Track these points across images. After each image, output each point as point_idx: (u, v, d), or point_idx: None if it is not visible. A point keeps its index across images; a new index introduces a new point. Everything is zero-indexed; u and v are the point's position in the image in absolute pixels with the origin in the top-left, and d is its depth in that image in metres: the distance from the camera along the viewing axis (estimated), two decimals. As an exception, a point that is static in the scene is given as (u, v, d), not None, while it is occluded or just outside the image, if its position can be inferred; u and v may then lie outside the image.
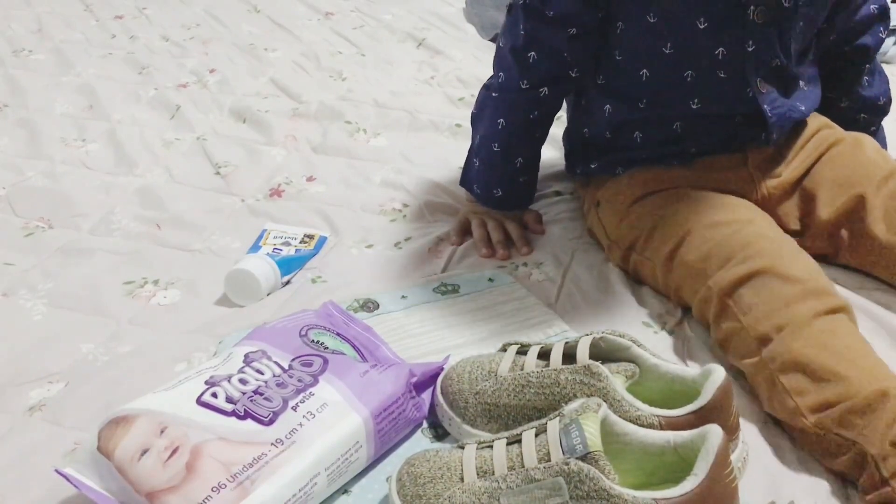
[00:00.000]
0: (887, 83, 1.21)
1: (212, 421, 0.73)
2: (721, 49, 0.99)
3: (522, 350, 0.85)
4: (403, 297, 1.04)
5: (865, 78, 1.17)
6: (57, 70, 1.84)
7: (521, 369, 0.81)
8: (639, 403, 0.74)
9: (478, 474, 0.70)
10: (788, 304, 0.86)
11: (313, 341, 0.85)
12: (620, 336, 0.80)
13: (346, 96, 1.65)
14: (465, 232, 1.19)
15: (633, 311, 1.01)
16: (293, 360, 0.82)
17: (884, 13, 1.15)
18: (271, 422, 0.74)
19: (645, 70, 1.03)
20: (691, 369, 0.80)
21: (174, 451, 0.70)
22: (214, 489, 0.68)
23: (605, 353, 0.80)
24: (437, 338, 0.97)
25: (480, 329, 0.98)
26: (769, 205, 1.07)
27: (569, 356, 0.80)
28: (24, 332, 1.01)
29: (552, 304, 1.03)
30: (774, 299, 0.87)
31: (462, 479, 0.71)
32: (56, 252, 1.17)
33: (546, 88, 1.09)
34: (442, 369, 0.88)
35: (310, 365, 0.81)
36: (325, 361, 0.82)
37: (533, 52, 1.06)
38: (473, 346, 0.95)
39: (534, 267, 1.11)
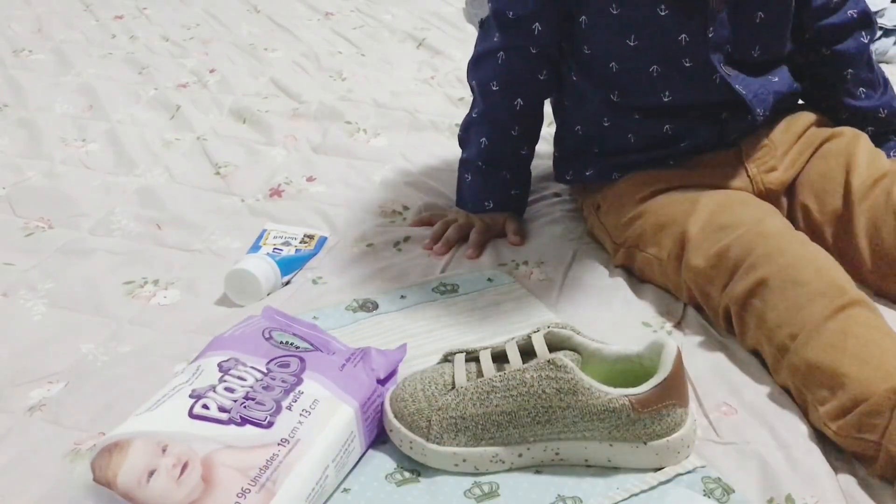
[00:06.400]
0: (892, 95, 1.18)
1: (211, 432, 0.72)
2: (684, 35, 1.02)
3: (471, 357, 0.83)
4: (402, 296, 1.04)
5: (861, 90, 1.14)
6: (57, 70, 1.84)
7: (480, 376, 0.80)
8: (607, 388, 0.77)
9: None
10: (798, 309, 0.84)
11: (282, 342, 0.85)
12: (563, 328, 0.82)
13: (346, 96, 1.65)
14: (422, 222, 1.21)
15: (633, 312, 1.01)
16: (268, 363, 0.81)
17: (865, 20, 1.13)
18: (270, 424, 0.74)
19: (613, 63, 1.06)
20: (632, 346, 0.82)
21: (184, 467, 0.69)
22: (239, 495, 0.68)
23: (550, 345, 0.81)
24: (436, 337, 0.97)
25: (480, 329, 0.98)
26: (767, 201, 1.06)
27: (525, 353, 0.80)
28: (24, 332, 1.01)
29: (552, 304, 1.03)
30: (784, 306, 0.86)
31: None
32: (56, 252, 1.17)
33: (520, 100, 1.13)
34: (400, 360, 0.88)
35: (287, 366, 0.81)
36: (302, 360, 0.82)
37: (501, 53, 1.11)
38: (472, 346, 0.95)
39: (534, 267, 1.11)
